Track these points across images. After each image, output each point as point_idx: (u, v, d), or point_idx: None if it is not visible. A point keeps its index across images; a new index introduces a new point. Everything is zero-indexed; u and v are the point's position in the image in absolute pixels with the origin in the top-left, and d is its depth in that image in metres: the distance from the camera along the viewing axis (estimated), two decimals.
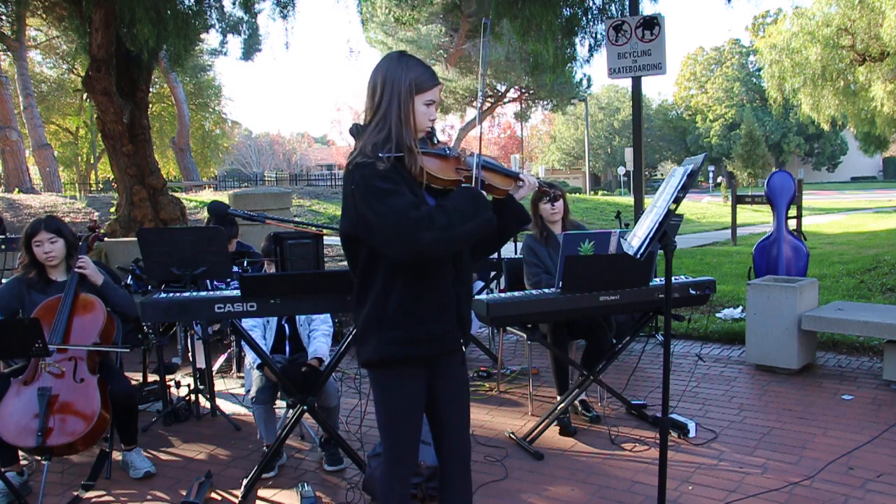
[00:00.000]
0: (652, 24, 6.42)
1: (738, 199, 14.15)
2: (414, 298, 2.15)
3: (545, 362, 5.19)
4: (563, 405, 4.06)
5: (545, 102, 29.55)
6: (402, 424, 2.27)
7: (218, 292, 3.35)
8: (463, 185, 2.19)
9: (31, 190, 18.92)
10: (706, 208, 24.65)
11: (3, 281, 4.79)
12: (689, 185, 2.33)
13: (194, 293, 3.28)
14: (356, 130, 2.18)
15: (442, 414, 2.35)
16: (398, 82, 2.10)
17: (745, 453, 3.66)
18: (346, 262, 2.28)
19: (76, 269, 3.57)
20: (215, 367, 5.26)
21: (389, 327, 2.15)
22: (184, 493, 3.32)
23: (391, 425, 2.27)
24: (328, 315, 4.06)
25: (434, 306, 2.18)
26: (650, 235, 2.31)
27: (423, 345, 2.19)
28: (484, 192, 2.20)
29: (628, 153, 33.82)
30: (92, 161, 31.31)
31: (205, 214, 12.82)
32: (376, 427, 2.33)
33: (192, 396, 4.60)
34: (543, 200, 4.31)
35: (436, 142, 2.24)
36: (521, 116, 32.25)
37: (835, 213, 22.53)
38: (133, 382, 4.61)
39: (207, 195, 19.42)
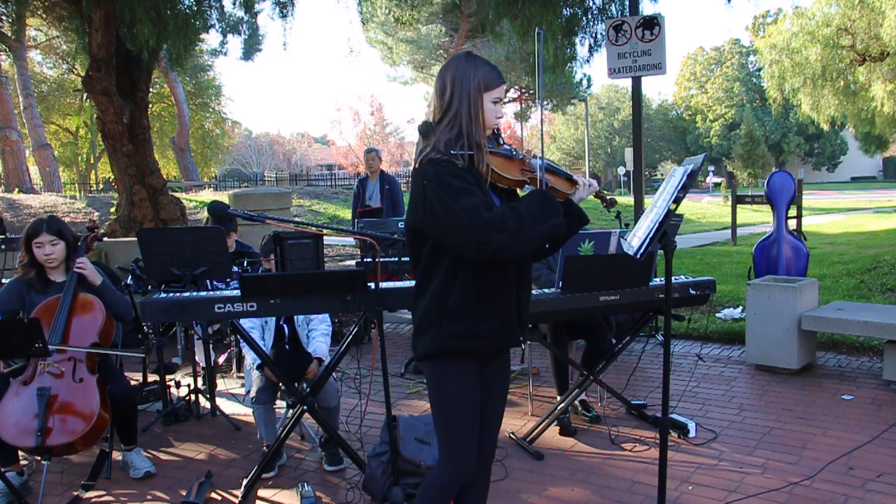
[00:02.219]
0: (652, 24, 6.43)
1: (738, 199, 14.16)
2: (476, 294, 2.15)
3: (545, 362, 5.19)
4: (563, 405, 4.06)
5: (545, 102, 29.53)
6: (461, 421, 2.22)
7: (218, 292, 3.36)
8: (528, 186, 2.23)
9: (31, 190, 18.91)
10: (706, 208, 24.63)
11: (4, 281, 4.80)
12: (689, 185, 2.32)
13: (194, 293, 3.28)
14: (425, 128, 2.20)
15: (481, 411, 2.31)
16: (467, 81, 2.14)
17: (745, 453, 3.66)
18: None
19: (75, 269, 3.57)
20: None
21: (450, 321, 2.15)
22: (184, 493, 3.33)
23: (450, 422, 2.22)
24: (326, 315, 4.06)
25: (497, 303, 2.19)
26: (650, 235, 2.30)
27: (486, 340, 2.19)
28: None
29: (628, 153, 33.81)
30: (92, 161, 31.29)
31: (205, 214, 12.82)
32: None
33: (192, 396, 4.61)
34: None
35: (501, 142, 2.29)
36: (521, 116, 32.22)
37: (835, 213, 22.52)
38: (133, 382, 4.62)
39: (207, 195, 19.42)
